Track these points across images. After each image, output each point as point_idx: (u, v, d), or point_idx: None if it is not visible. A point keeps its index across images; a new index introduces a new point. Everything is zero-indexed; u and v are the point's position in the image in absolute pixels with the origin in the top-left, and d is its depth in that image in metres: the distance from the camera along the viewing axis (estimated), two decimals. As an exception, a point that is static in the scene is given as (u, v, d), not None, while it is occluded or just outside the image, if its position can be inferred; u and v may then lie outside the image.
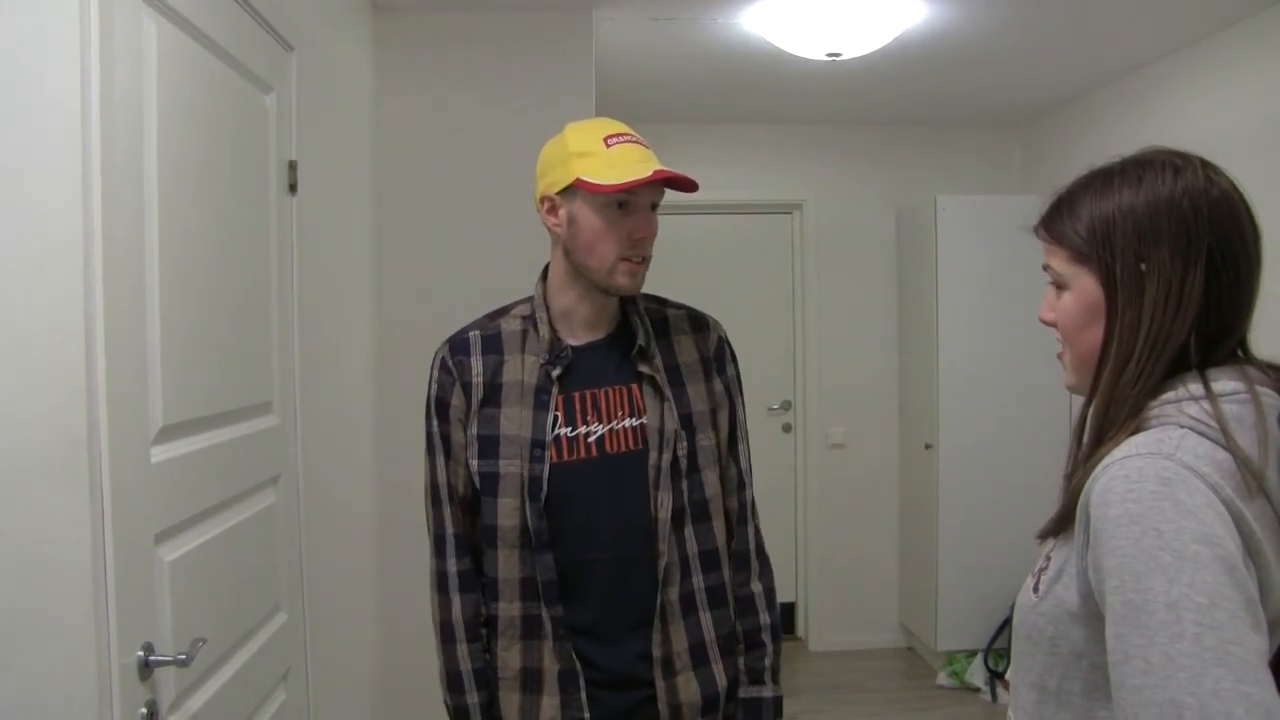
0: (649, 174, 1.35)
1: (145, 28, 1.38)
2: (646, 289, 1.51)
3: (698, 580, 1.47)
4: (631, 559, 1.44)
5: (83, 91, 1.20)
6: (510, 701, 1.45)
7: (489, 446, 1.44)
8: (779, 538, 4.27)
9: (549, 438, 1.42)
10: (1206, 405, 0.89)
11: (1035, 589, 0.97)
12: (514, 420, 1.43)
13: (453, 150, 3.02)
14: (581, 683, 1.43)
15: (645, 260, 1.44)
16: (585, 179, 1.37)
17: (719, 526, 1.50)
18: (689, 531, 1.46)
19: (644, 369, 1.46)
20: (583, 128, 1.43)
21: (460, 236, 3.01)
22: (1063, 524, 0.95)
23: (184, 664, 1.38)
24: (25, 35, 1.18)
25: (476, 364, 1.46)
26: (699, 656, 1.46)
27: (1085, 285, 0.98)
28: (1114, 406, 0.95)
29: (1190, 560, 0.80)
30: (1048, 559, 0.97)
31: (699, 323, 1.56)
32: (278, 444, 1.95)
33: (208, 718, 1.52)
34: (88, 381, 1.21)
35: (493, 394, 1.45)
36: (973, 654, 4.16)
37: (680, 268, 3.98)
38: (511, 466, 1.43)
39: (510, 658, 1.45)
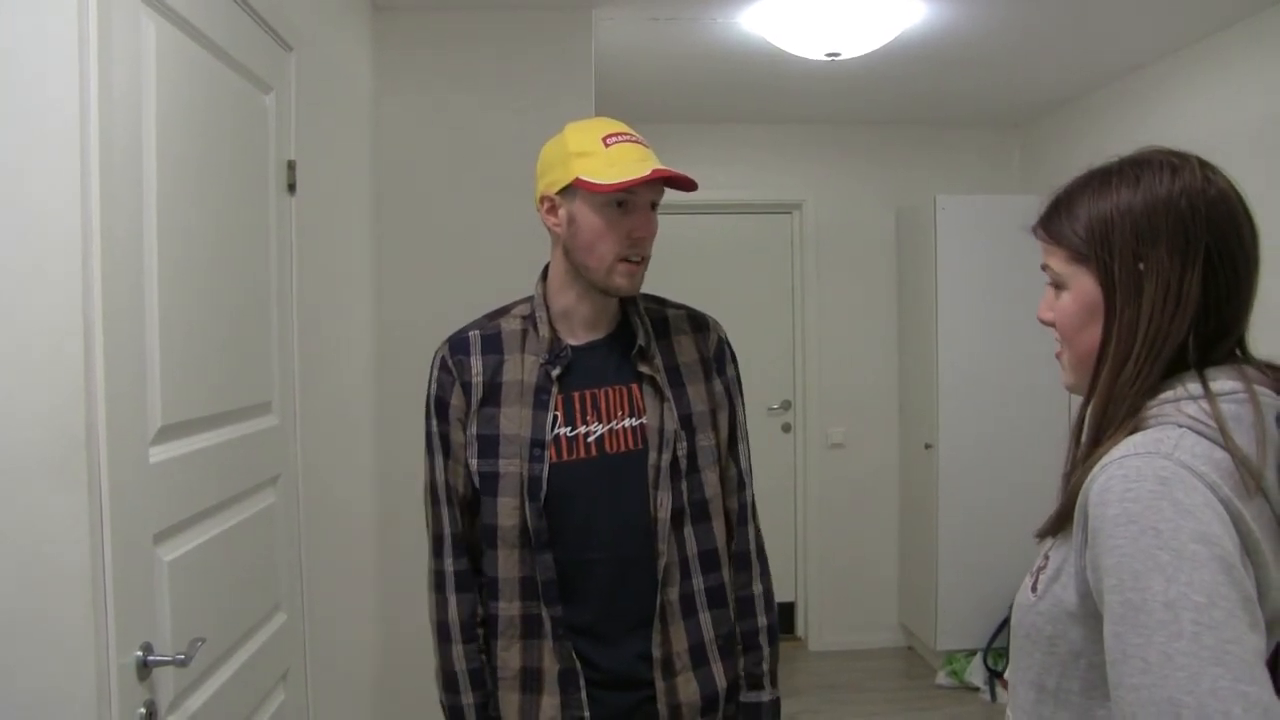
0: (648, 173, 1.36)
1: (144, 27, 1.38)
2: (646, 289, 1.51)
3: (697, 581, 1.47)
4: (631, 559, 1.44)
5: (81, 91, 1.20)
6: (510, 701, 1.45)
7: (488, 446, 1.44)
8: (779, 537, 4.27)
9: (548, 437, 1.42)
10: (1205, 405, 0.90)
11: (1033, 588, 0.97)
12: (513, 420, 1.43)
13: (452, 150, 3.02)
14: (581, 682, 1.43)
15: (644, 260, 1.44)
16: (584, 178, 1.37)
17: (719, 527, 1.50)
18: (688, 532, 1.46)
19: (644, 369, 1.46)
20: (582, 127, 1.43)
21: (460, 236, 3.01)
22: (1061, 523, 0.96)
23: (183, 664, 1.38)
24: (24, 35, 1.18)
25: (476, 363, 1.46)
26: (698, 657, 1.46)
27: (1083, 285, 0.98)
28: (1112, 406, 0.95)
29: (1188, 559, 0.80)
30: (1046, 558, 0.97)
31: (699, 323, 1.56)
32: (277, 444, 1.95)
33: (207, 718, 1.52)
34: (86, 381, 1.21)
35: (492, 393, 1.45)
36: (972, 653, 4.16)
37: (680, 267, 3.98)
38: (511, 466, 1.43)
39: (510, 657, 1.45)
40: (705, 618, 1.47)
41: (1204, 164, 0.97)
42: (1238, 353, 0.97)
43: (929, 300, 4.20)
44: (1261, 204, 1.01)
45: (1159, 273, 0.93)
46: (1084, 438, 0.98)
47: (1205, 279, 0.92)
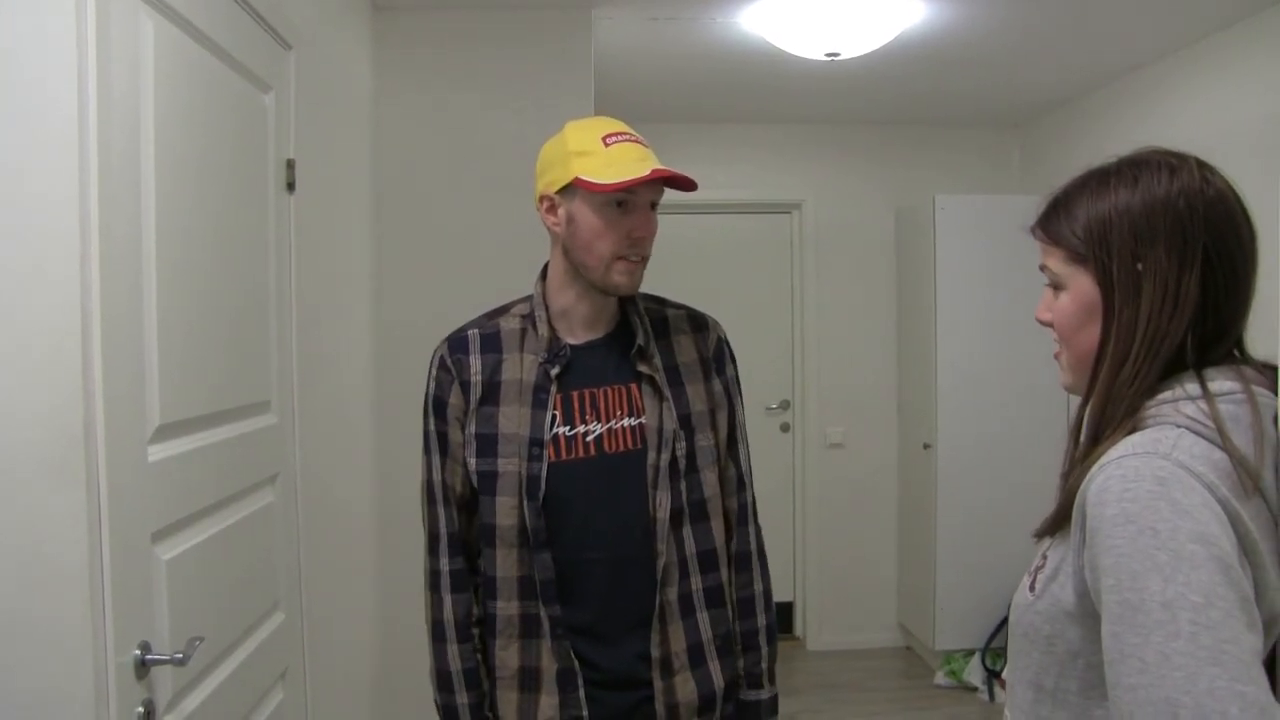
0: (647, 173, 1.35)
1: (143, 26, 1.38)
2: (645, 288, 1.51)
3: (696, 581, 1.47)
4: (630, 559, 1.44)
5: (80, 90, 1.20)
6: (509, 700, 1.45)
7: (487, 445, 1.44)
8: (777, 537, 4.27)
9: (547, 436, 1.42)
10: (1203, 405, 0.90)
11: (1032, 588, 0.97)
12: (512, 419, 1.43)
13: (452, 149, 3.02)
14: (580, 682, 1.43)
15: (643, 260, 1.44)
16: (584, 178, 1.37)
17: (717, 527, 1.50)
18: (687, 532, 1.46)
19: (643, 369, 1.46)
20: (582, 127, 1.43)
21: (459, 235, 3.01)
22: (1059, 523, 0.96)
23: (181, 663, 1.37)
24: (23, 34, 1.18)
25: (475, 362, 1.46)
26: (696, 656, 1.46)
27: (1082, 285, 0.98)
28: (1111, 406, 0.95)
29: (1186, 559, 0.80)
30: (1044, 558, 0.97)
31: (698, 323, 1.56)
32: (276, 443, 1.95)
33: (205, 717, 1.52)
34: (85, 380, 1.21)
35: (491, 392, 1.45)
36: (971, 653, 4.16)
37: (679, 267, 3.98)
38: (510, 465, 1.43)
39: (508, 657, 1.45)
40: (703, 617, 1.47)
41: (1202, 164, 0.97)
42: (1236, 353, 0.97)
43: (928, 300, 4.21)
44: (1261, 204, 1.01)
45: (1157, 273, 0.93)
46: (1082, 438, 0.98)
47: (1203, 279, 0.92)
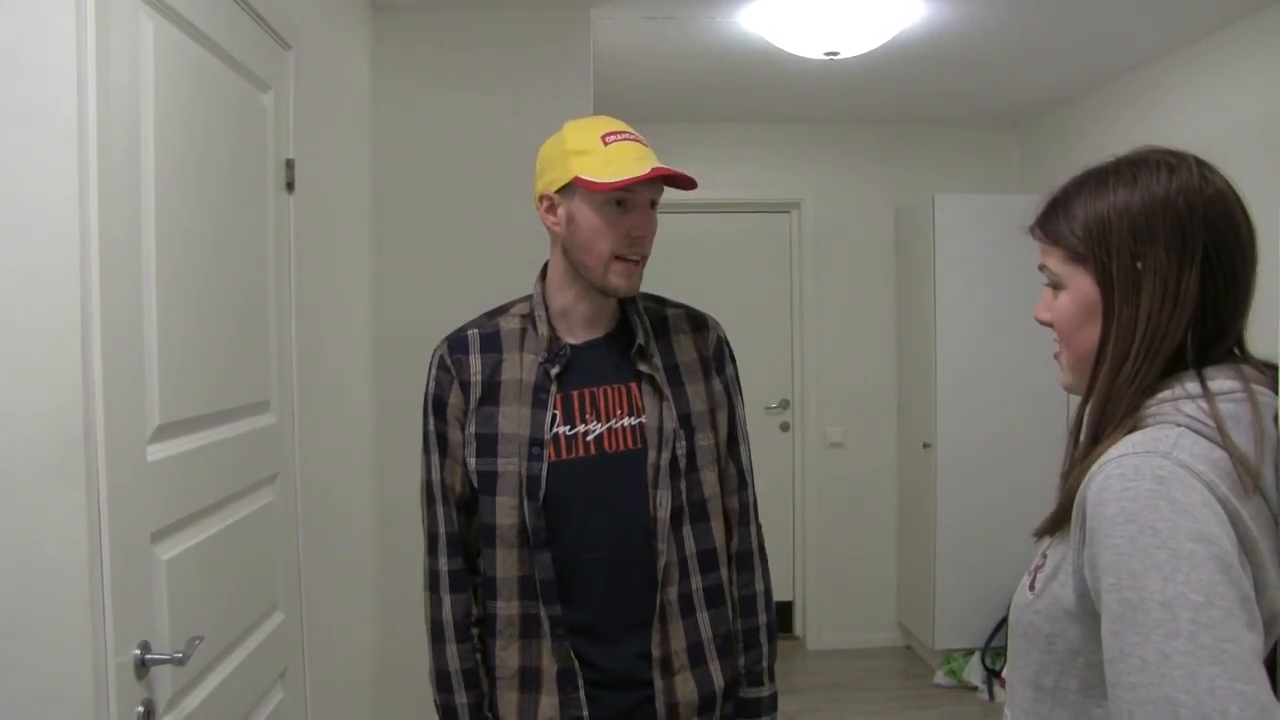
0: (647, 171, 1.35)
1: (142, 26, 1.38)
2: (645, 288, 1.51)
3: (696, 580, 1.47)
4: (630, 558, 1.44)
5: (80, 90, 1.20)
6: (509, 700, 1.45)
7: (487, 445, 1.44)
8: (777, 537, 4.25)
9: (547, 436, 1.42)
10: (1203, 404, 0.90)
11: (1031, 587, 0.97)
12: (512, 419, 1.43)
13: (451, 149, 3.02)
14: (580, 682, 1.43)
15: (643, 260, 1.44)
16: (583, 177, 1.37)
17: (717, 526, 1.50)
18: (687, 531, 1.46)
19: (643, 368, 1.46)
20: (581, 126, 1.43)
21: (459, 235, 3.01)
22: (1059, 522, 0.96)
23: (180, 663, 1.37)
24: (23, 34, 1.17)
25: (475, 362, 1.46)
26: (696, 656, 1.46)
27: (1081, 285, 0.98)
28: (1111, 405, 0.95)
29: (1186, 558, 0.80)
30: (1044, 557, 0.97)
31: (698, 322, 1.56)
32: (275, 442, 1.95)
33: (204, 717, 1.52)
34: (85, 380, 1.21)
35: (491, 392, 1.45)
36: (970, 653, 4.16)
37: (678, 266, 3.99)
38: (510, 465, 1.42)
39: (509, 657, 1.45)
40: (703, 617, 1.47)
41: (1201, 163, 0.97)
42: (1236, 352, 0.97)
43: (928, 299, 4.21)
44: (1261, 204, 1.01)
45: (1157, 272, 0.93)
46: (1082, 437, 0.98)
47: (1203, 278, 0.92)
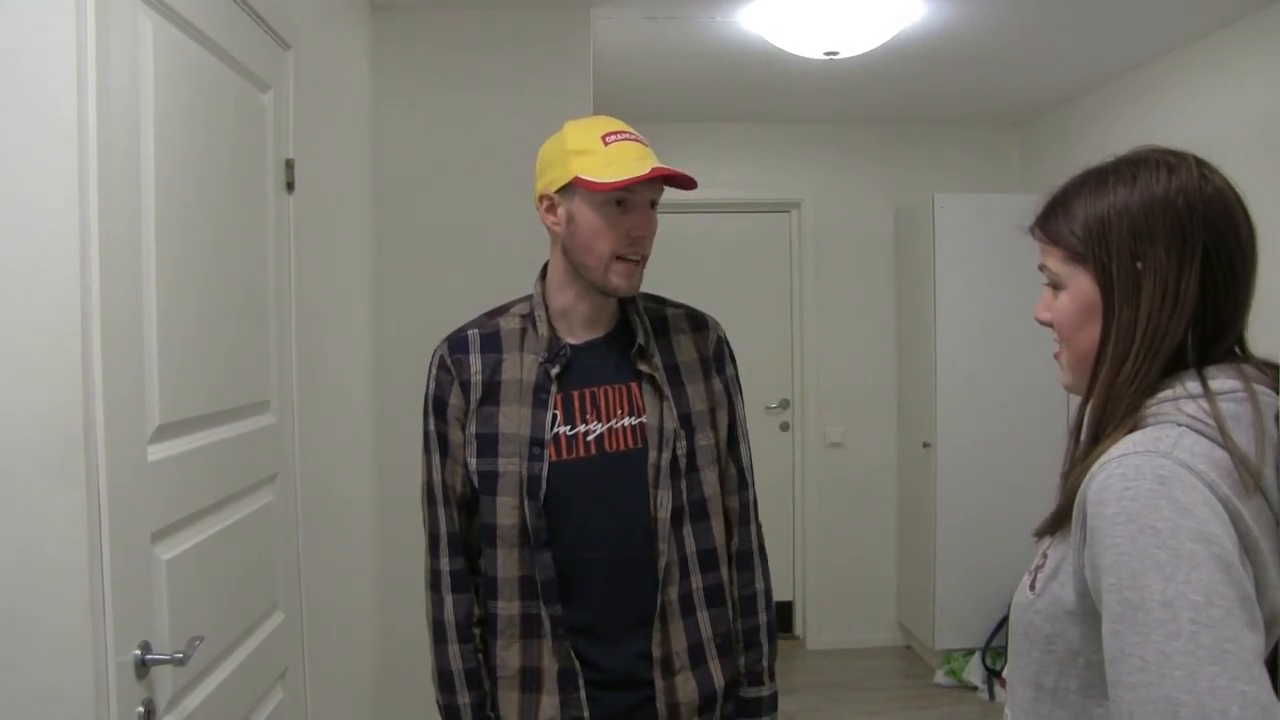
0: (647, 171, 1.35)
1: (142, 26, 1.38)
2: (645, 287, 1.51)
3: (696, 580, 1.47)
4: (630, 558, 1.44)
5: (80, 90, 1.20)
6: (510, 700, 1.45)
7: (488, 445, 1.44)
8: (777, 536, 4.26)
9: (548, 436, 1.42)
10: (1204, 403, 0.90)
11: (1032, 587, 0.97)
12: (512, 419, 1.43)
13: (451, 149, 3.02)
14: (581, 682, 1.43)
15: (643, 260, 1.44)
16: (583, 177, 1.37)
17: (718, 526, 1.50)
18: (687, 531, 1.46)
19: (643, 368, 1.46)
20: (581, 126, 1.43)
21: (459, 235, 3.01)
22: (1059, 522, 0.96)
23: (181, 663, 1.37)
24: (22, 34, 1.17)
25: (475, 362, 1.46)
26: (697, 656, 1.46)
27: (1081, 285, 0.98)
28: (1111, 405, 0.95)
29: (1186, 558, 0.80)
30: (1044, 557, 0.97)
31: (698, 322, 1.56)
32: (275, 442, 1.95)
33: (205, 717, 1.52)
34: (85, 380, 1.21)
35: (491, 392, 1.45)
36: (970, 652, 4.16)
37: (678, 266, 3.98)
38: (510, 465, 1.42)
39: (509, 657, 1.45)
40: (704, 616, 1.47)
41: (1200, 162, 0.97)
42: (1237, 351, 0.97)
43: (927, 299, 4.21)
44: (1261, 203, 1.01)
45: (1157, 272, 0.93)
46: (1083, 437, 0.98)
47: (1203, 278, 0.92)
